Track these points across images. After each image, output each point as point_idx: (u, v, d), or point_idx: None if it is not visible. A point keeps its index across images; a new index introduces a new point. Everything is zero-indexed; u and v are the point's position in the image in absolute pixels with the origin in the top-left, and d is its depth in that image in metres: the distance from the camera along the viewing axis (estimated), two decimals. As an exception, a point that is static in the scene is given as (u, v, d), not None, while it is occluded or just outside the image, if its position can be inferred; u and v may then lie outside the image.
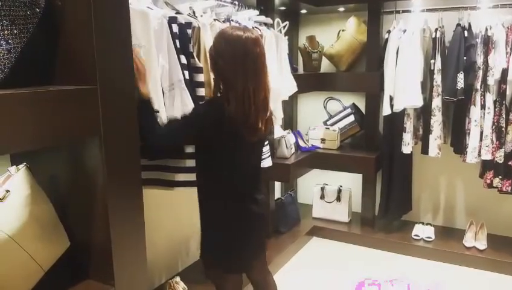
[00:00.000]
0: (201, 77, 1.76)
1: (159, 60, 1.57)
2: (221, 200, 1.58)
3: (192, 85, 1.73)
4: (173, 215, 2.39)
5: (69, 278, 1.27)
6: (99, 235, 1.23)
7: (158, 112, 1.52)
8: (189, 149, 1.76)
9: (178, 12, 1.74)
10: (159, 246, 2.28)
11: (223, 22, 2.03)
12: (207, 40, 1.79)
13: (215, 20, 1.95)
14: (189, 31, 1.71)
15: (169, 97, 1.62)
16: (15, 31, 1.08)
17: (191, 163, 1.78)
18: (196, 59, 1.74)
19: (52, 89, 1.07)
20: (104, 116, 1.14)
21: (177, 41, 1.65)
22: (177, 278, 2.19)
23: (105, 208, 1.18)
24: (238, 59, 1.44)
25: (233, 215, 1.58)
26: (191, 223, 2.54)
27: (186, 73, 1.67)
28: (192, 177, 1.78)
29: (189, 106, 1.65)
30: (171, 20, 1.64)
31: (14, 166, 1.20)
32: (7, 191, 1.11)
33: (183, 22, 1.70)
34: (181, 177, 1.78)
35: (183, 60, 1.66)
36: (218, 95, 1.55)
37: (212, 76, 1.67)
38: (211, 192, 1.61)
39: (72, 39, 1.15)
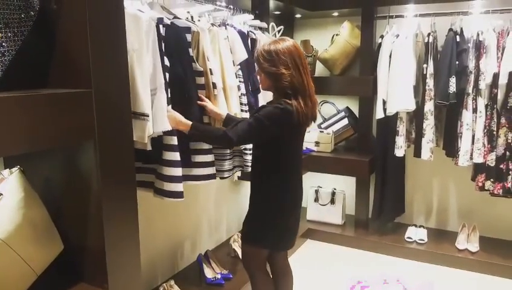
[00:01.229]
0: (202, 80, 1.80)
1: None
2: (279, 184, 1.75)
3: (194, 88, 1.77)
4: (168, 218, 2.38)
5: (62, 281, 1.27)
6: (93, 238, 1.22)
7: (148, 115, 1.52)
8: (168, 156, 1.68)
9: (176, 17, 1.75)
10: (154, 249, 2.27)
11: (219, 25, 2.04)
12: (205, 44, 1.81)
13: (212, 24, 1.96)
14: (189, 36, 1.72)
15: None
16: (9, 34, 1.08)
17: (169, 171, 1.69)
18: (197, 63, 1.76)
19: (46, 92, 1.07)
20: (99, 119, 1.14)
21: (163, 44, 1.63)
22: (172, 282, 2.19)
23: (99, 211, 1.18)
24: (299, 64, 1.66)
25: (287, 199, 1.78)
26: (186, 225, 2.54)
27: (167, 76, 1.65)
28: (170, 187, 1.70)
29: (164, 109, 1.59)
30: (159, 22, 1.62)
31: (8, 169, 1.20)
32: (0, 194, 1.11)
33: (183, 26, 1.72)
34: (160, 184, 1.73)
35: (166, 62, 1.64)
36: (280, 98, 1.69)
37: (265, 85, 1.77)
38: (270, 176, 1.76)
39: (67, 42, 1.15)
